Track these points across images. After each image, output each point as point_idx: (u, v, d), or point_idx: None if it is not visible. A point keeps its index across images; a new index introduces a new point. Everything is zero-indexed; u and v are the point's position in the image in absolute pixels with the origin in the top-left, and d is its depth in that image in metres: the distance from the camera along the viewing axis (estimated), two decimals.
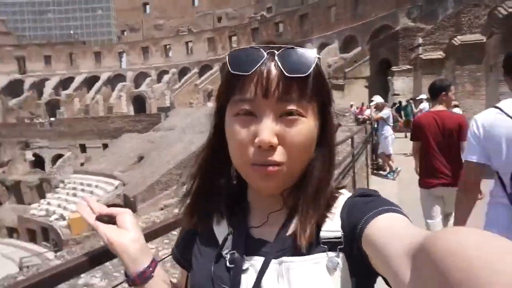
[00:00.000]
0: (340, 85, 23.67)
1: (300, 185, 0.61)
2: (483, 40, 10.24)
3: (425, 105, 10.47)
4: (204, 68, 49.29)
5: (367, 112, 10.50)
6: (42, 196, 33.99)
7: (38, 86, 52.64)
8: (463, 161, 1.96)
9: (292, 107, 0.56)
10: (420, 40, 14.11)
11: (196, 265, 0.68)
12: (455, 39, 11.54)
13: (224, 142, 0.62)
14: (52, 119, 45.10)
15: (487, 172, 1.81)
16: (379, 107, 8.22)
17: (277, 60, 0.56)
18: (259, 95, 0.56)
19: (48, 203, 29.74)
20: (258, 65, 0.56)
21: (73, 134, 41.33)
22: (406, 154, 9.32)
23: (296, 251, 0.58)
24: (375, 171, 7.88)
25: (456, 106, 6.58)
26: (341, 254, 0.57)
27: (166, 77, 49.79)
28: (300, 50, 0.57)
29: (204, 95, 43.47)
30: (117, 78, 52.21)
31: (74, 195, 29.82)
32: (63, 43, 58.12)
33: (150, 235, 1.26)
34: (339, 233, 0.58)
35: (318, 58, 0.57)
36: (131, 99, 49.04)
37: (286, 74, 0.55)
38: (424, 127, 3.28)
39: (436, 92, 3.36)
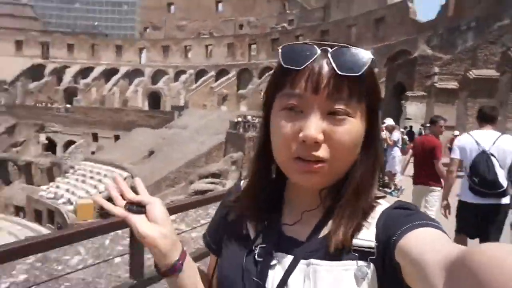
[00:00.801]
0: None
1: (340, 186, 0.61)
2: (496, 76, 10.79)
3: None
4: (221, 72, 50.18)
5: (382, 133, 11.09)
6: (51, 179, 34.82)
7: (59, 73, 53.94)
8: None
9: (341, 106, 0.55)
10: (437, 69, 14.65)
11: (226, 255, 0.69)
12: (470, 72, 12.08)
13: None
14: (69, 106, 46.16)
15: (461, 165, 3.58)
16: (389, 129, 8.76)
17: (330, 58, 0.55)
18: (309, 91, 0.55)
19: (57, 187, 30.49)
20: (310, 61, 0.56)
21: (87, 123, 42.30)
22: (410, 176, 9.81)
23: (326, 255, 0.58)
24: (380, 188, 8.37)
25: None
26: (371, 265, 0.56)
27: (183, 77, 50.73)
28: (354, 49, 0.56)
29: (218, 98, 44.28)
30: (136, 73, 53.32)
31: (83, 181, 30.59)
32: (86, 33, 59.66)
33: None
34: (373, 244, 0.57)
35: (372, 59, 0.57)
36: (147, 95, 50.05)
37: (338, 72, 0.54)
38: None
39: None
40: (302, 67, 0.55)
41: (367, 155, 0.61)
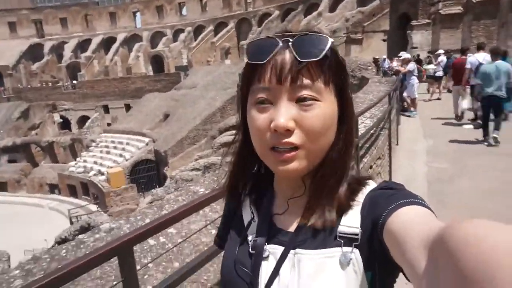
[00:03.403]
0: (359, 39, 24.31)
1: (320, 170, 0.62)
2: None
3: (443, 58, 11.64)
4: (220, 25, 49.33)
5: (394, 65, 11.85)
6: (75, 155, 36.40)
7: (57, 50, 53.76)
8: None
9: (306, 92, 0.57)
10: None
11: (227, 248, 0.72)
12: None
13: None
14: (75, 81, 46.56)
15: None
16: (405, 62, 9.73)
17: (291, 47, 0.57)
18: (274, 82, 0.57)
19: (85, 161, 32.01)
20: (272, 54, 0.58)
21: (96, 96, 42.89)
22: (425, 100, 10.83)
23: (313, 243, 0.60)
24: (401, 112, 9.36)
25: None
26: (356, 250, 0.57)
27: (182, 36, 50.17)
28: (313, 35, 0.58)
29: (221, 52, 44.12)
30: (133, 38, 52.79)
31: (108, 152, 32.04)
32: (77, 4, 58.27)
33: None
34: (357, 230, 0.58)
35: (332, 42, 0.58)
36: (149, 59, 49.96)
37: (299, 60, 0.56)
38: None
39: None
40: (265, 61, 0.58)
41: (341, 136, 0.62)
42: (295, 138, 0.57)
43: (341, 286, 0.56)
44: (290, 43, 0.58)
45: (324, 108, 0.58)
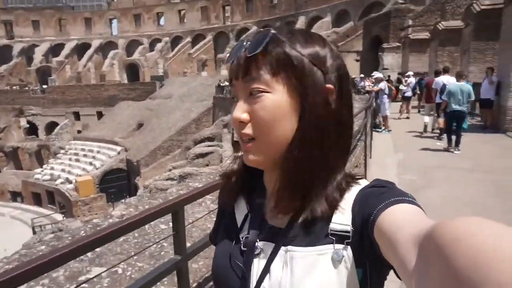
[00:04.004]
0: None
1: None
2: (461, 26, 12.19)
3: (412, 80, 12.45)
4: (198, 37, 49.65)
5: (366, 84, 12.52)
6: (41, 162, 35.07)
7: (28, 53, 52.15)
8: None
9: (254, 85, 0.59)
10: (410, 22, 15.85)
11: (219, 245, 0.72)
12: (440, 24, 13.37)
13: None
14: (45, 86, 45.20)
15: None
16: (378, 81, 10.37)
17: (245, 45, 0.61)
18: (233, 79, 0.62)
19: (52, 168, 30.93)
20: (234, 53, 0.63)
21: (66, 102, 41.73)
22: (395, 118, 11.53)
23: (303, 241, 0.60)
24: (373, 129, 9.95)
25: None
26: (348, 247, 0.58)
27: (159, 46, 50.06)
28: (261, 30, 0.62)
29: (198, 64, 44.31)
30: (109, 45, 52.12)
31: (77, 160, 31.14)
32: (51, 7, 56.98)
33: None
34: (348, 227, 0.58)
35: (272, 34, 0.60)
36: (124, 67, 49.40)
37: (247, 55, 0.60)
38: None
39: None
40: (229, 62, 0.63)
41: (302, 128, 0.60)
42: (249, 129, 0.60)
43: (334, 283, 0.57)
44: (244, 42, 0.62)
45: (273, 100, 0.59)
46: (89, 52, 51.33)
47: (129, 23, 52.97)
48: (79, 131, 38.38)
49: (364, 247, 0.56)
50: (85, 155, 31.34)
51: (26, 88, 45.68)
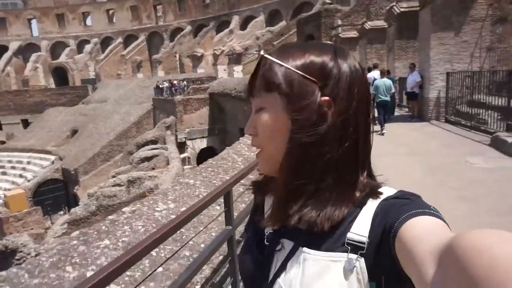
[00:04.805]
0: None
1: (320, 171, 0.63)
2: (385, 26, 13.67)
3: None
4: (129, 38, 47.89)
5: None
6: None
7: None
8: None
9: (256, 102, 0.65)
10: (340, 22, 17.19)
11: (247, 237, 0.78)
12: (366, 24, 14.80)
13: None
14: None
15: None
16: None
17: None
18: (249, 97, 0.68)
19: None
20: (253, 72, 0.66)
21: None
22: None
23: (320, 245, 0.61)
24: None
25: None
26: (361, 259, 0.57)
27: (87, 47, 47.44)
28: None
29: (132, 66, 42.76)
30: (30, 47, 48.19)
31: (4, 173, 28.75)
32: None
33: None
34: (364, 239, 0.58)
35: (262, 55, 0.65)
36: (50, 71, 46.05)
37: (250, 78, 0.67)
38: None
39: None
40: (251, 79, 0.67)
41: (289, 145, 0.61)
42: (255, 141, 0.66)
43: None
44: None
45: (267, 116, 0.63)
46: (7, 55, 47.00)
47: (52, 23, 49.41)
48: (2, 142, 35.20)
49: (382, 260, 0.56)
50: (13, 167, 29.04)
51: None
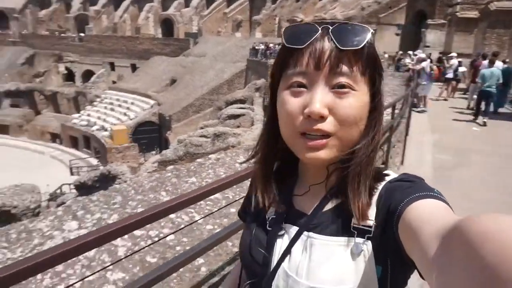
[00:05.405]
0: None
1: (345, 160, 0.60)
2: None
3: (454, 61, 12.42)
4: None
5: (407, 61, 12.65)
6: (77, 108, 36.76)
7: None
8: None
9: (344, 79, 0.56)
10: None
11: (246, 224, 0.76)
12: (492, 3, 13.01)
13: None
14: (82, 34, 46.15)
15: None
16: (419, 60, 10.55)
17: (331, 34, 0.57)
18: (311, 67, 0.57)
19: (88, 115, 32.46)
20: (312, 39, 0.57)
21: (103, 52, 42.61)
22: (432, 99, 11.79)
23: (326, 229, 0.61)
24: (412, 108, 10.36)
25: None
26: (368, 242, 0.57)
27: (194, 2, 49.61)
28: (353, 25, 0.58)
29: (233, 25, 43.95)
30: None
31: (112, 109, 32.45)
32: None
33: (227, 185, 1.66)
34: (371, 222, 0.58)
35: (373, 33, 0.58)
36: (159, 22, 49.56)
37: (340, 47, 0.56)
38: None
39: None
40: (304, 45, 0.58)
41: (370, 128, 0.61)
42: (328, 126, 0.57)
43: (350, 274, 0.57)
44: (330, 30, 0.58)
45: (358, 98, 0.58)
46: (125, 3, 51.49)
47: None
48: (114, 82, 39.56)
49: (387, 243, 0.56)
50: (119, 105, 32.58)
51: (64, 35, 46.78)
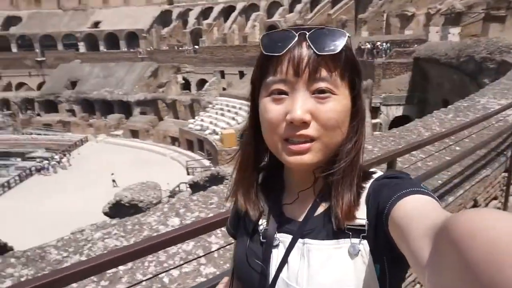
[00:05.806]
0: (501, 16, 21.52)
1: (331, 164, 0.61)
2: None
3: None
4: None
5: None
6: (193, 113, 40.47)
7: (183, 16, 58.72)
8: None
9: (324, 84, 0.57)
10: None
11: (238, 238, 0.74)
12: None
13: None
14: (196, 46, 50.63)
15: None
16: None
17: (308, 40, 0.57)
18: (291, 74, 0.57)
19: (202, 120, 35.43)
20: (289, 46, 0.57)
21: (213, 61, 46.05)
22: None
23: (320, 234, 0.61)
24: None
25: None
26: (364, 241, 0.58)
27: (298, 7, 50.24)
28: (330, 29, 0.58)
29: (337, 25, 43.06)
30: (251, 7, 54.61)
31: (222, 114, 34.86)
32: None
33: None
34: (363, 221, 0.58)
35: (349, 37, 0.59)
36: (264, 29, 51.46)
37: (317, 53, 0.56)
38: None
39: None
40: (282, 53, 0.58)
41: (353, 130, 0.62)
42: (311, 131, 0.57)
43: (350, 276, 0.57)
44: (307, 36, 0.58)
45: (339, 102, 0.58)
46: (234, 14, 54.82)
47: None
48: (224, 88, 42.43)
49: (380, 241, 0.56)
50: (228, 111, 34.79)
51: (182, 48, 52.02)
